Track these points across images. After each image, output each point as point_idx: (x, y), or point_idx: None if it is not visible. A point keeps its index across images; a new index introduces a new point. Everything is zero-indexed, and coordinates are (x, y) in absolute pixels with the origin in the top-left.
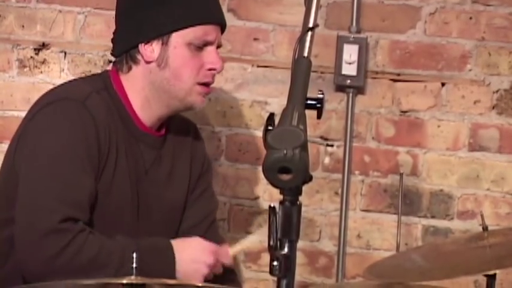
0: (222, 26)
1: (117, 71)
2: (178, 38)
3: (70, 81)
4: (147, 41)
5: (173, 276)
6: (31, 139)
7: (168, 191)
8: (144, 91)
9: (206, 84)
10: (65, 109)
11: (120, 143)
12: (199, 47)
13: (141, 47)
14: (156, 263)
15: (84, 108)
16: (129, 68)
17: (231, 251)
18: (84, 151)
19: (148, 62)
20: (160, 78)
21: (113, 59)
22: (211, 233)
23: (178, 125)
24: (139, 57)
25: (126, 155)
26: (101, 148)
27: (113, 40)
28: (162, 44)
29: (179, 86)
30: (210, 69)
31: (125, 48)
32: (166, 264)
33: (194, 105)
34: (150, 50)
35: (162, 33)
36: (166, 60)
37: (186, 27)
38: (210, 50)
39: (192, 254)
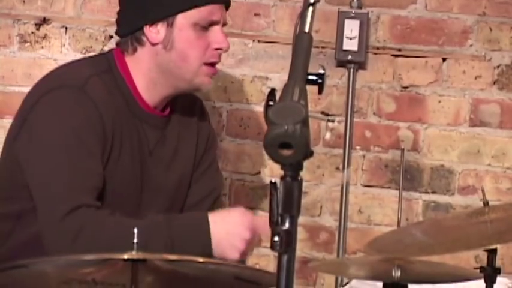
0: (227, 4)
1: (122, 52)
2: (184, 19)
3: (71, 62)
4: (152, 22)
5: (209, 248)
6: (34, 132)
7: (173, 171)
8: (150, 72)
9: (213, 64)
10: (64, 97)
11: (124, 125)
12: (205, 27)
13: (146, 29)
14: (190, 235)
15: (83, 94)
16: (135, 50)
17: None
18: (89, 136)
19: (154, 44)
20: (166, 60)
21: (115, 36)
22: (216, 209)
23: (184, 104)
24: (144, 38)
25: (130, 136)
26: (106, 131)
27: (117, 20)
28: (168, 25)
29: (186, 68)
30: (216, 49)
31: (129, 29)
32: (200, 236)
33: (201, 87)
34: (156, 31)
35: (167, 14)
36: (172, 42)
37: (191, 8)
38: (216, 29)
39: (227, 227)
